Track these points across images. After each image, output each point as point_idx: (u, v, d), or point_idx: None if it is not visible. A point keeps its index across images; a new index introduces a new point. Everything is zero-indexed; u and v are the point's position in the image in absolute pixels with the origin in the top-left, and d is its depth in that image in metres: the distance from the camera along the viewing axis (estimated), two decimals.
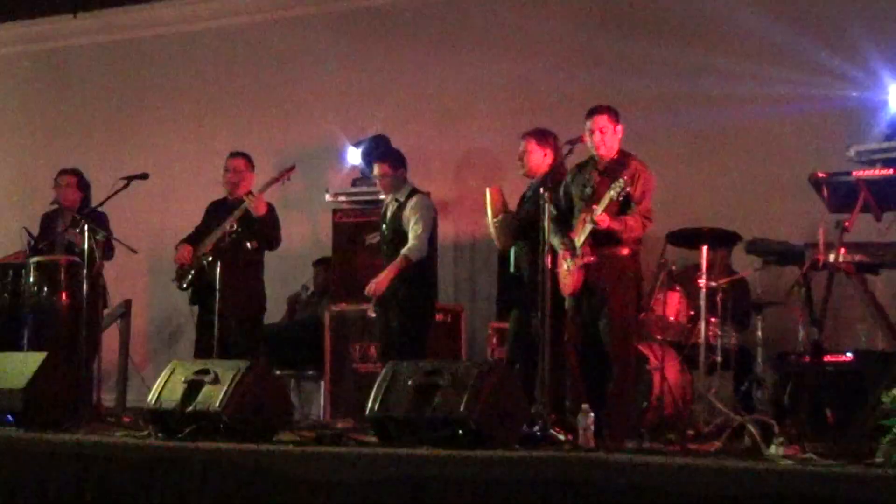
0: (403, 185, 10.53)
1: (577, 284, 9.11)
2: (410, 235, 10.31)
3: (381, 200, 11.04)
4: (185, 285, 11.08)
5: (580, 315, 9.22)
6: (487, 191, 9.97)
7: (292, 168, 11.16)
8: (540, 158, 9.84)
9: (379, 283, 10.21)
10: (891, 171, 7.90)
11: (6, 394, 9.31)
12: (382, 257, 10.52)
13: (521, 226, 9.75)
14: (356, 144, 12.40)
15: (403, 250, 10.25)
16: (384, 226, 10.54)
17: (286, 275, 12.84)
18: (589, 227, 8.96)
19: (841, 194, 7.97)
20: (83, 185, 11.64)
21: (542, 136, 9.93)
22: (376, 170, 10.55)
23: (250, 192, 10.87)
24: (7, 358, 9.90)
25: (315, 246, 13.06)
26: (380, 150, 10.66)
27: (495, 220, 9.84)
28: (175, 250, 11.15)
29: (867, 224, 8.17)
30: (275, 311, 12.65)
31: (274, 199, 11.51)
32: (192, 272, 10.94)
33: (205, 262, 10.79)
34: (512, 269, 9.90)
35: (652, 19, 12.13)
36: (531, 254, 9.60)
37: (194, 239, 11.13)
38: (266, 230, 10.89)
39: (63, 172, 11.72)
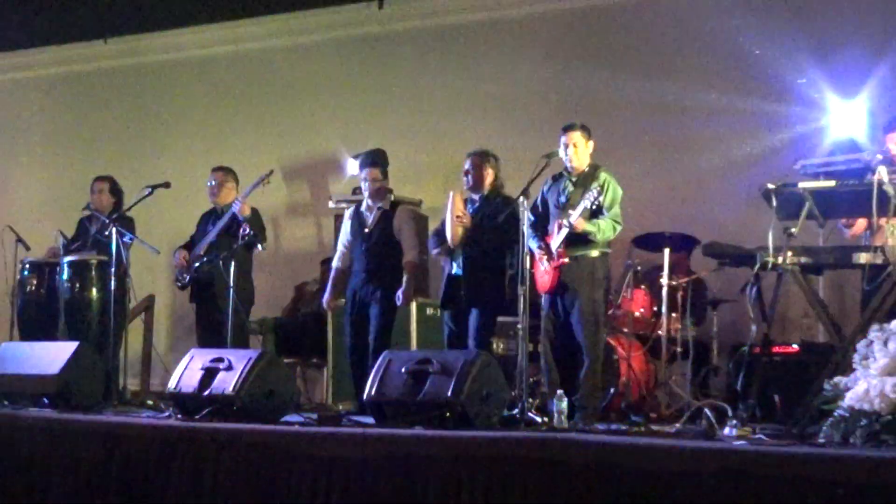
0: (387, 194, 10.49)
1: (552, 283, 9.15)
2: (408, 244, 10.26)
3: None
4: (181, 285, 11.11)
5: (555, 310, 9.25)
6: (453, 194, 9.89)
7: (271, 172, 11.15)
8: (482, 176, 9.83)
9: (407, 294, 10.18)
10: (833, 183, 7.89)
11: (42, 379, 9.29)
12: (365, 258, 10.36)
13: (477, 231, 9.73)
14: (356, 157, 12.37)
15: (409, 258, 10.22)
16: (367, 230, 10.39)
17: (295, 272, 12.83)
18: (565, 230, 9.00)
19: (788, 203, 7.95)
20: (116, 191, 11.67)
21: (485, 156, 9.91)
22: (367, 174, 10.39)
23: (236, 199, 10.89)
24: (43, 347, 9.90)
25: (320, 247, 13.06)
26: (371, 158, 10.57)
27: (457, 219, 9.77)
28: (172, 256, 11.17)
29: (812, 230, 8.17)
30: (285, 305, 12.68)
31: (283, 206, 11.54)
32: (188, 274, 10.96)
33: (206, 263, 10.80)
34: (457, 271, 9.83)
35: (619, 46, 12.14)
36: (485, 257, 9.62)
37: (190, 245, 11.19)
38: (252, 230, 10.83)
39: (98, 179, 11.76)
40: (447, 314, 9.89)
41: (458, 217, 9.70)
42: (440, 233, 9.95)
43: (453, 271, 9.80)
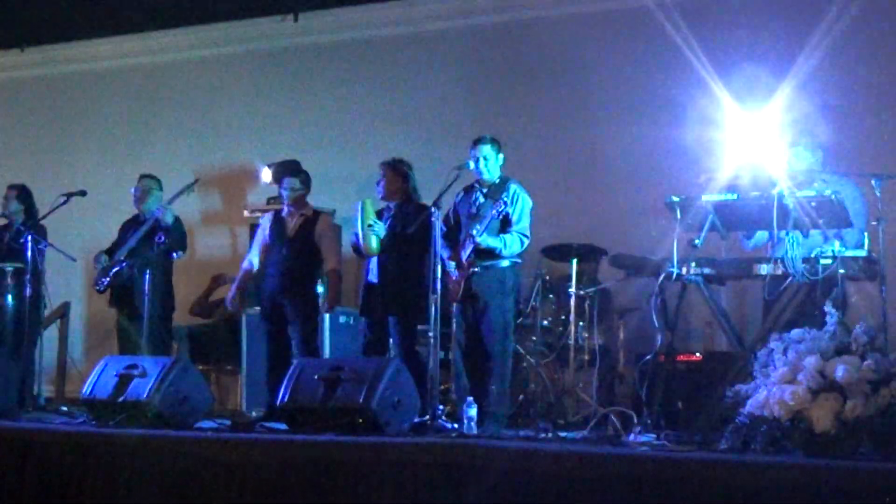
0: (307, 202, 10.47)
1: (462, 292, 9.16)
2: (329, 252, 10.20)
3: None
4: (101, 289, 11.03)
5: (465, 319, 9.26)
6: (362, 202, 9.81)
7: (196, 181, 11.10)
8: (393, 184, 9.82)
9: (331, 301, 10.16)
10: (735, 197, 7.97)
11: None
12: (284, 264, 10.22)
13: (392, 240, 9.70)
14: (269, 165, 12.33)
15: (332, 265, 10.18)
16: (289, 237, 10.26)
17: (207, 284, 12.72)
18: (469, 249, 9.03)
19: (692, 216, 8.02)
20: (24, 198, 11.49)
21: (396, 164, 9.89)
22: (286, 183, 10.37)
23: (159, 206, 10.82)
24: None
25: (234, 255, 12.98)
26: (292, 167, 10.54)
27: (368, 227, 9.71)
28: (94, 261, 11.08)
29: (714, 242, 8.25)
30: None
31: (197, 215, 11.49)
32: (108, 278, 10.87)
33: (121, 268, 10.73)
34: (374, 279, 9.75)
35: (530, 62, 12.20)
36: (401, 265, 9.61)
37: (111, 251, 11.08)
38: (174, 236, 10.80)
39: (8, 187, 11.64)
40: (364, 322, 9.84)
41: (369, 226, 9.66)
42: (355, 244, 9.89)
43: (370, 279, 9.75)
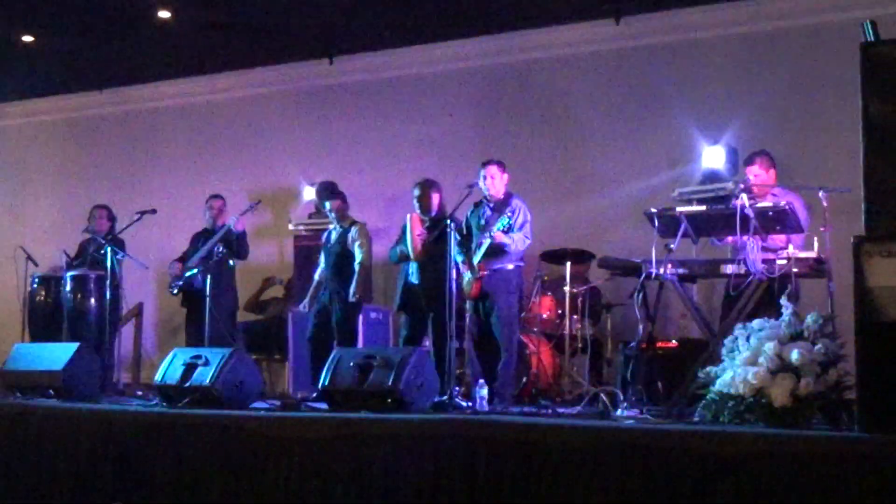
0: (347, 216, 10.50)
1: (475, 291, 9.16)
2: (360, 252, 10.20)
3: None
4: (175, 292, 11.09)
5: (477, 313, 9.26)
6: (410, 215, 9.79)
7: (258, 202, 11.35)
8: (429, 200, 9.77)
9: (357, 291, 10.14)
10: (703, 208, 7.95)
11: (49, 374, 9.19)
12: (329, 269, 10.34)
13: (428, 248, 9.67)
14: (312, 184, 12.38)
15: (358, 259, 10.16)
16: (330, 246, 10.39)
17: (259, 285, 12.73)
18: (486, 244, 9.03)
19: (668, 224, 8.01)
20: (111, 217, 11.66)
21: (430, 184, 9.85)
22: (330, 205, 10.44)
23: (231, 218, 11.05)
24: (50, 347, 9.78)
25: (281, 264, 13.01)
26: (333, 191, 10.58)
27: (418, 237, 9.66)
28: (169, 267, 11.16)
29: (687, 246, 8.23)
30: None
31: (251, 227, 11.55)
32: (181, 282, 10.95)
33: (193, 274, 10.81)
34: (415, 280, 9.73)
35: (532, 96, 12.20)
36: (435, 268, 9.54)
37: (183, 258, 11.19)
38: (242, 244, 11.06)
39: (97, 207, 11.79)
40: (405, 319, 9.77)
41: (418, 235, 9.62)
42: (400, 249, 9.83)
43: (412, 280, 9.70)
